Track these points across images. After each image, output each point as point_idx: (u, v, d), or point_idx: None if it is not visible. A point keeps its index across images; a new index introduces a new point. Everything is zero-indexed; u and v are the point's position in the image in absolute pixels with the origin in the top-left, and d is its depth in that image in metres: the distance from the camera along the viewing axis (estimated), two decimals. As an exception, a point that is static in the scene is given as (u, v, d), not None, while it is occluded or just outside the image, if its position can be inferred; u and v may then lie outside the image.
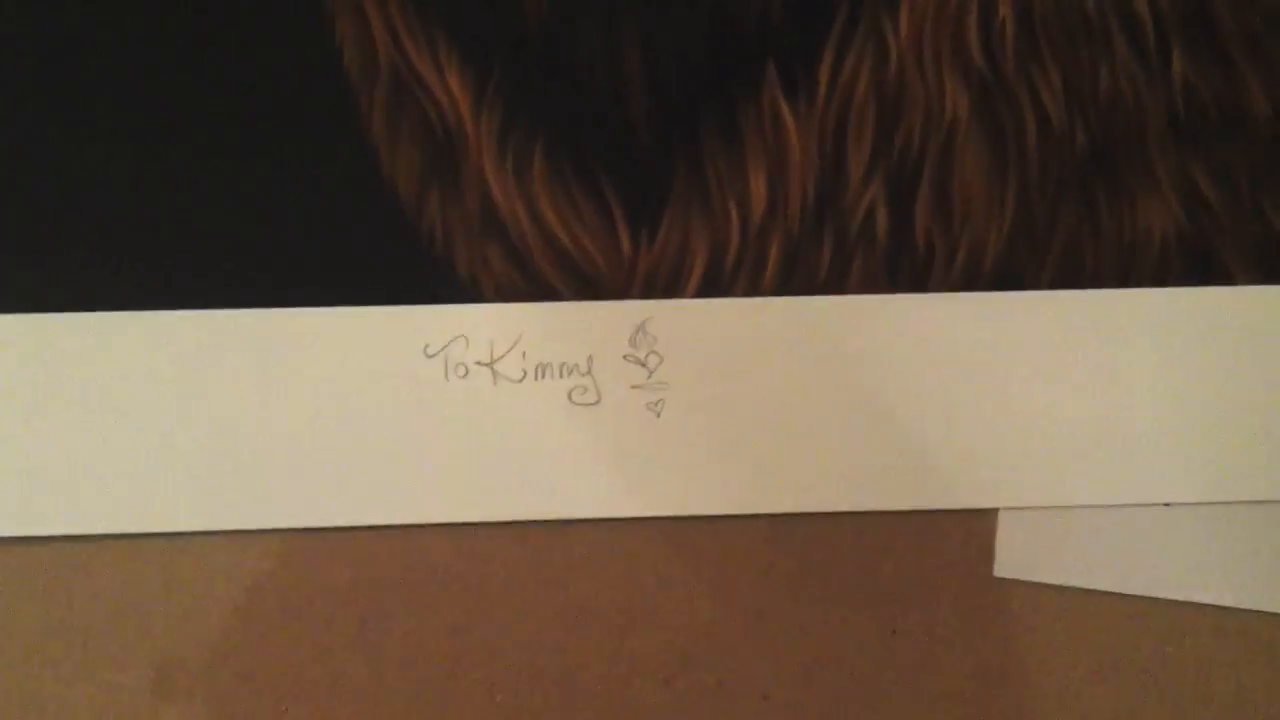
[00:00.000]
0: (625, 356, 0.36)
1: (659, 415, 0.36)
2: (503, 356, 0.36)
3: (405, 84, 0.37)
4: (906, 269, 0.37)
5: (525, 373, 0.36)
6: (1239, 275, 0.38)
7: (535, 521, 0.36)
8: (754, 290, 0.37)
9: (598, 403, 0.36)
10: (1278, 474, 0.37)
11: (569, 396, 0.36)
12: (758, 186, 0.37)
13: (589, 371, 0.36)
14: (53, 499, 0.35)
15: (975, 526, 0.37)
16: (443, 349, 0.36)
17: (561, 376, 0.36)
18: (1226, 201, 0.38)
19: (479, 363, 0.36)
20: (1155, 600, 0.38)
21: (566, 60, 0.37)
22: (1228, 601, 0.38)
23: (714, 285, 0.37)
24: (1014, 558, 0.37)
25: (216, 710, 0.36)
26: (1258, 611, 0.38)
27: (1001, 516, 0.37)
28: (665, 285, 0.37)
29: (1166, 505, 0.37)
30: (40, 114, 0.36)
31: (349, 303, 0.36)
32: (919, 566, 0.37)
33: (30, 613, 0.36)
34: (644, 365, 0.36)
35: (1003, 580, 0.37)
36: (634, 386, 0.36)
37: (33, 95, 0.36)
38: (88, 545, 0.36)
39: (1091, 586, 0.38)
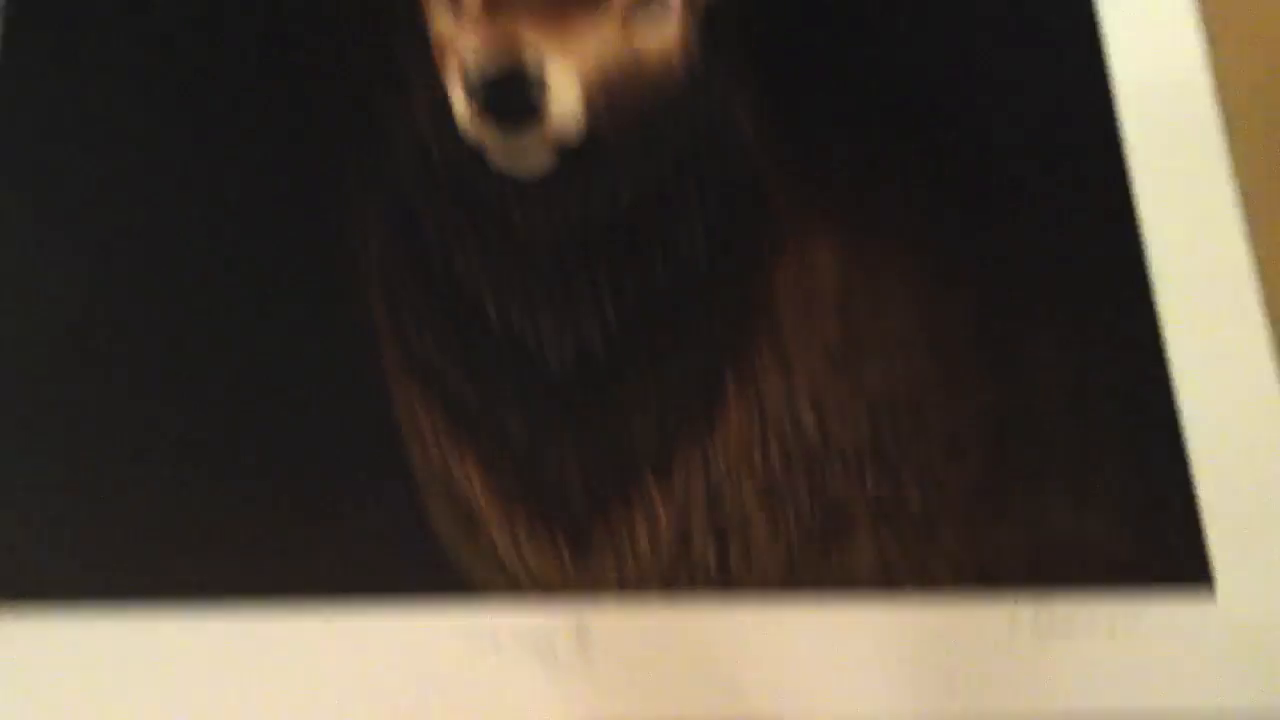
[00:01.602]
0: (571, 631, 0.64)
1: (590, 663, 0.63)
2: (498, 632, 0.63)
3: (447, 481, 0.66)
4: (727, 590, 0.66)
5: (512, 641, 0.63)
6: (909, 593, 0.67)
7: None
8: (645, 594, 0.65)
9: (556, 659, 0.63)
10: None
11: (539, 655, 0.63)
12: (640, 539, 0.66)
13: (549, 640, 0.63)
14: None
15: None
16: (465, 628, 0.63)
17: (536, 642, 0.63)
18: (902, 556, 0.68)
19: (484, 634, 0.63)
20: None
21: (538, 466, 0.67)
22: None
23: (623, 593, 0.65)
24: None
25: None
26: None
27: None
28: (593, 593, 0.65)
29: None
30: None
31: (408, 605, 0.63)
32: None
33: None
34: (579, 639, 0.63)
35: None
36: (575, 649, 0.63)
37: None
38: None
39: None
